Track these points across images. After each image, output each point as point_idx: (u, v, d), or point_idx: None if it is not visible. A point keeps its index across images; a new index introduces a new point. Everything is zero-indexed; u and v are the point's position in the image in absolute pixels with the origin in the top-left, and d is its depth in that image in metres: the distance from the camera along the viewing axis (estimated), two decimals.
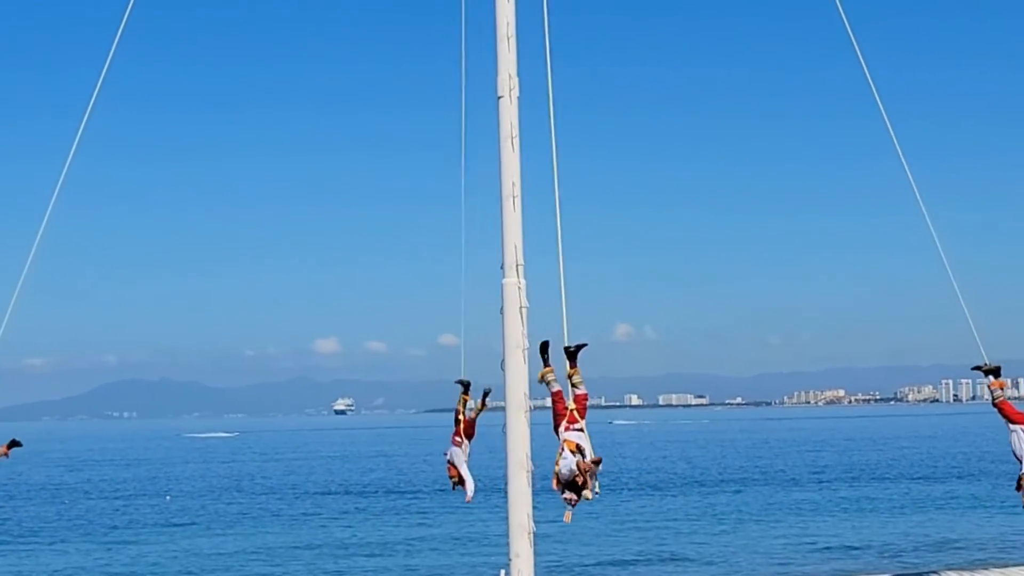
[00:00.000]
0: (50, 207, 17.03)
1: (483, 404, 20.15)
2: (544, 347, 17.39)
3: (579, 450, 16.72)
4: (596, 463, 16.52)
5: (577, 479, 16.53)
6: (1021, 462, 18.11)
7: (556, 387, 17.40)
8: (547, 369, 17.33)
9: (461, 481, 19.89)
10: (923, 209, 18.11)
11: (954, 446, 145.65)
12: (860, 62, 18.69)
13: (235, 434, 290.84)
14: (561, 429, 17.10)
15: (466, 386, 19.99)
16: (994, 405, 18.73)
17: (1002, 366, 18.78)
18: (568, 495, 16.59)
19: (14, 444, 18.48)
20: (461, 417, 20.05)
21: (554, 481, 16.71)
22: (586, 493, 16.37)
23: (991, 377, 18.73)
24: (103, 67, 16.82)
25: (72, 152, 17.15)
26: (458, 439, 20.02)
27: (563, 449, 16.96)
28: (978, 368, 18.92)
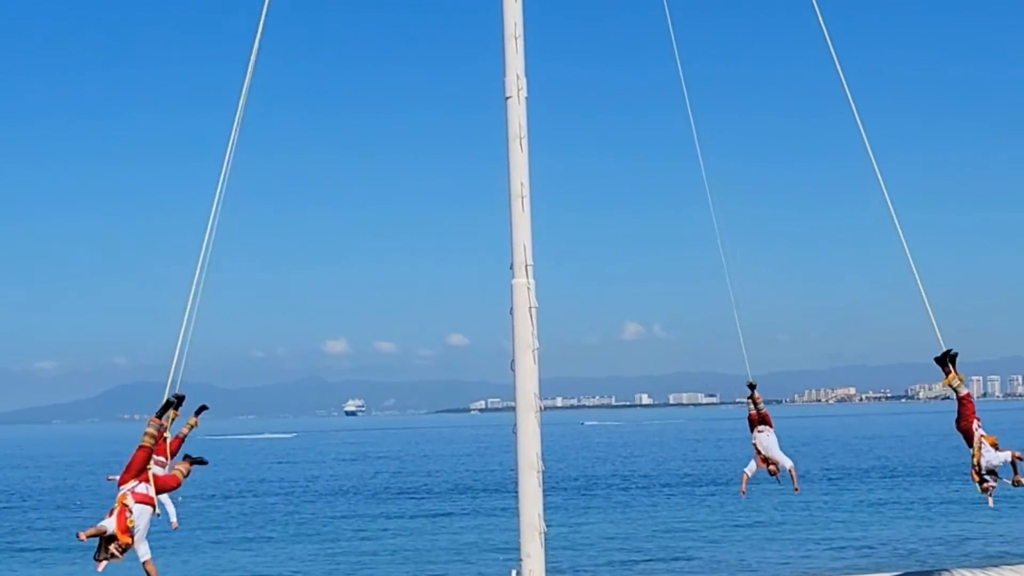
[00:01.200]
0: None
1: (196, 421, 18.99)
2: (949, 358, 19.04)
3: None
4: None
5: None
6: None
7: (964, 390, 18.90)
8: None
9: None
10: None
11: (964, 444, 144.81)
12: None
13: (293, 435, 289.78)
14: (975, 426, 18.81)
15: (180, 400, 17.77)
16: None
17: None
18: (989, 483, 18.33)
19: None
20: (167, 435, 17.47)
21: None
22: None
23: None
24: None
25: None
26: (161, 459, 17.36)
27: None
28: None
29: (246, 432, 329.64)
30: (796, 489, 21.03)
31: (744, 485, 21.93)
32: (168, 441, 17.57)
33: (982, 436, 18.81)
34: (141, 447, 16.29)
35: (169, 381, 16.79)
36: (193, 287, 16.10)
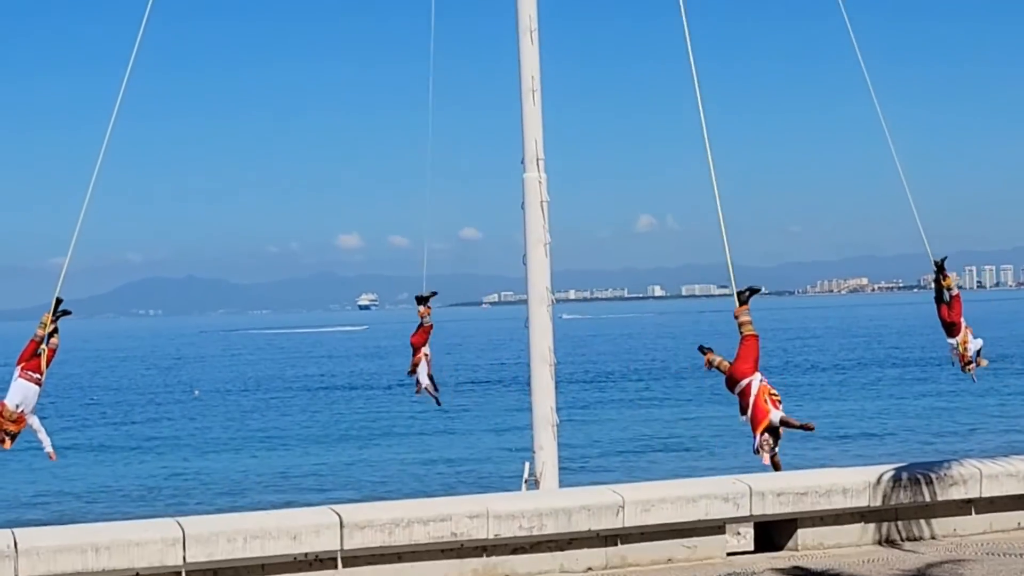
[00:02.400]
0: None
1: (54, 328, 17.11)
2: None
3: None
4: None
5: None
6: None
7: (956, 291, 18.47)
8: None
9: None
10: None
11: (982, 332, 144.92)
12: None
13: (364, 327, 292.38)
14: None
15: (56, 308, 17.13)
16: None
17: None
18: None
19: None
20: (44, 347, 16.66)
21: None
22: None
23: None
24: None
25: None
26: (37, 376, 16.65)
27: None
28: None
29: (314, 325, 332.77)
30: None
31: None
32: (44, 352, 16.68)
33: (967, 328, 19.62)
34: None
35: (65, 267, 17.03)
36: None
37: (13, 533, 13.63)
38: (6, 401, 16.40)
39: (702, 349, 17.31)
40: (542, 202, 17.39)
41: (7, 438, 16.43)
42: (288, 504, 34.15)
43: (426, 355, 24.43)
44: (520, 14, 17.53)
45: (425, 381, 24.51)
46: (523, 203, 17.41)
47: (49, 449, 17.06)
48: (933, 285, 19.52)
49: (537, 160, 17.39)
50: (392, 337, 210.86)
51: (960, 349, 19.33)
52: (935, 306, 19.58)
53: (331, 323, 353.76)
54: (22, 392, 16.48)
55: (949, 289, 19.31)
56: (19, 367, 16.62)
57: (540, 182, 17.40)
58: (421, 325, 24.41)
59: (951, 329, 19.44)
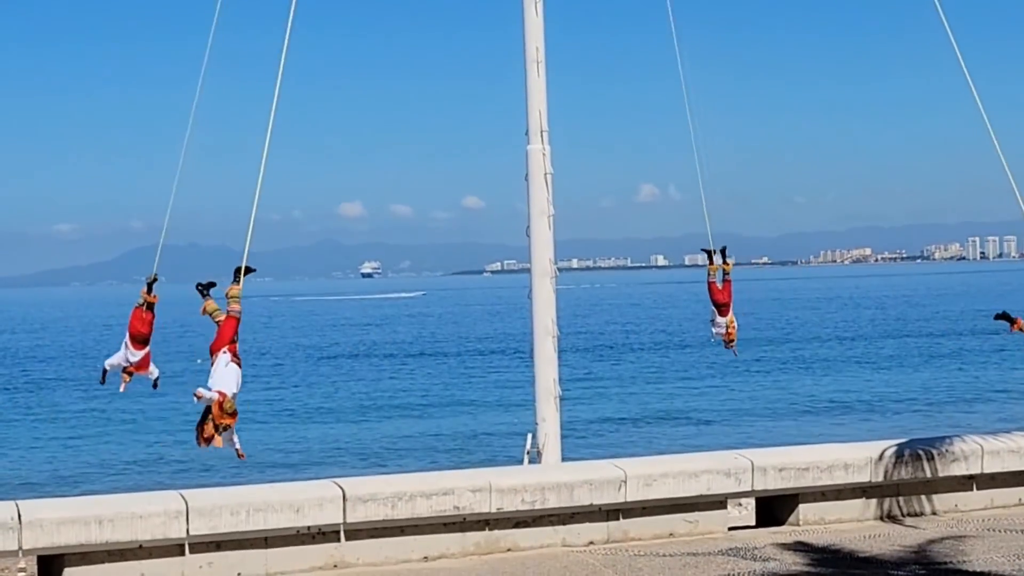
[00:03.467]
0: None
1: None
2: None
3: None
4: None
5: None
6: None
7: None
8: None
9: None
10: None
11: (983, 303, 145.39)
12: None
13: (421, 293, 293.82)
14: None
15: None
16: None
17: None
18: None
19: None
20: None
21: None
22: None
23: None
24: None
25: None
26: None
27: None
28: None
29: (371, 292, 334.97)
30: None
31: None
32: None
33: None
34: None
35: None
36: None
37: (16, 505, 13.67)
38: (225, 390, 14.14)
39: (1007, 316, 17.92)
40: (546, 174, 17.33)
41: (218, 435, 14.12)
42: (292, 477, 34.22)
43: None
44: None
45: None
46: (527, 175, 17.36)
47: (239, 447, 14.47)
48: (713, 267, 20.22)
49: (541, 132, 17.32)
50: (447, 303, 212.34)
51: (727, 329, 20.13)
52: (707, 286, 20.27)
53: (389, 289, 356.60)
54: (235, 378, 14.36)
55: (727, 273, 20.13)
56: (223, 351, 14.46)
57: (544, 154, 17.33)
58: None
59: (721, 309, 20.13)
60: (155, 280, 15.99)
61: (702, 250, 20.50)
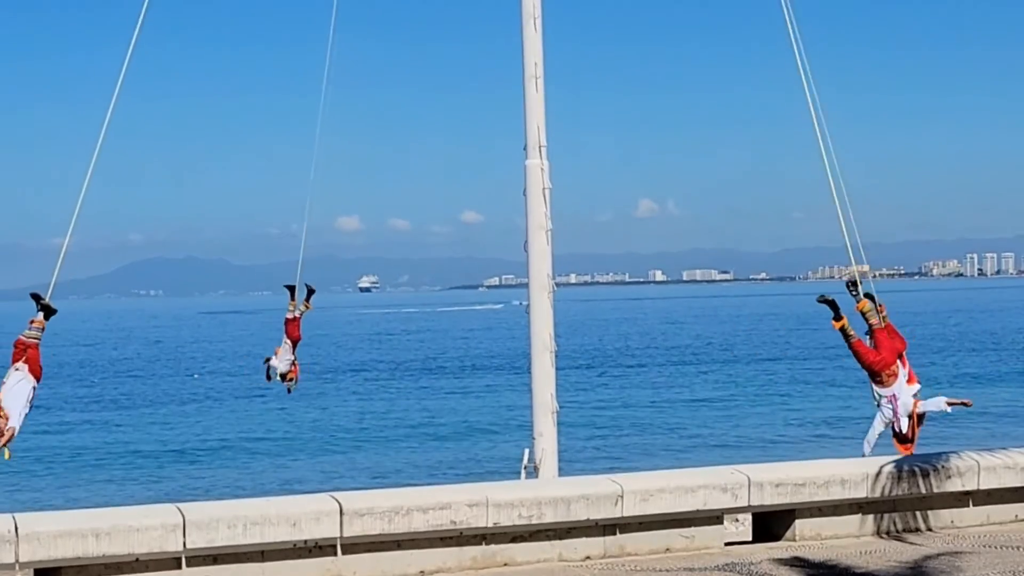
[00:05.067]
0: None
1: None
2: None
3: None
4: None
5: None
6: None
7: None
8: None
9: None
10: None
11: (981, 321, 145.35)
12: None
13: (500, 306, 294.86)
14: None
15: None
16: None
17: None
18: None
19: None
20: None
21: None
22: None
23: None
24: None
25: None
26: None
27: None
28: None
29: (464, 303, 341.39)
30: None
31: None
32: None
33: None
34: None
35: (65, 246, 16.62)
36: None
37: (14, 517, 13.66)
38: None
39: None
40: (544, 189, 17.38)
41: None
42: (289, 491, 34.21)
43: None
44: (524, 1, 17.51)
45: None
46: (525, 190, 17.41)
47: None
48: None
49: (539, 147, 17.37)
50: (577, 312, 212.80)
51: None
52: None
53: (466, 301, 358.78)
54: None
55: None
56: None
57: (542, 169, 17.38)
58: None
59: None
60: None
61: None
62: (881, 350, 17.29)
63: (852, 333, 17.37)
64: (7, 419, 14.75)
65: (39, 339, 15.40)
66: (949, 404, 17.66)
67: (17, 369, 15.13)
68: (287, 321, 21.53)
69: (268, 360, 21.25)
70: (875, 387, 17.37)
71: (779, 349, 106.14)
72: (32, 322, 15.51)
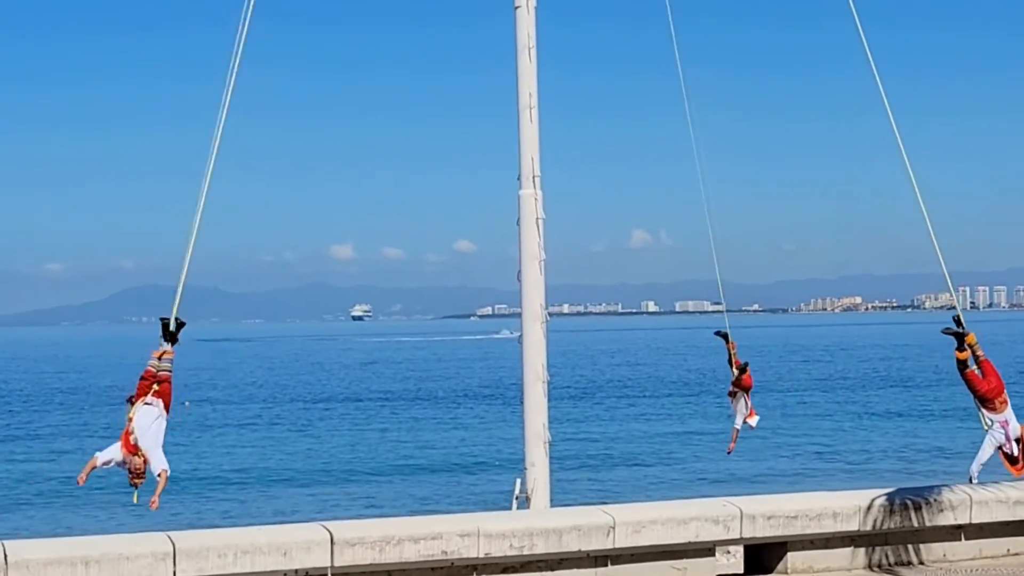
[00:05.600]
0: None
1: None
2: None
3: None
4: None
5: None
6: None
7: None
8: None
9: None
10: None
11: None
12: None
13: (514, 334, 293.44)
14: None
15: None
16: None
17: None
18: None
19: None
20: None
21: None
22: None
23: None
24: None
25: None
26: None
27: None
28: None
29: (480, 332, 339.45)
30: None
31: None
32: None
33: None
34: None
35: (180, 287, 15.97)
36: (203, 194, 15.76)
37: (3, 545, 13.61)
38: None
39: None
40: (537, 219, 17.38)
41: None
42: (280, 520, 34.09)
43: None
44: (519, 31, 17.54)
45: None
46: (518, 219, 17.41)
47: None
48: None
49: (533, 177, 17.38)
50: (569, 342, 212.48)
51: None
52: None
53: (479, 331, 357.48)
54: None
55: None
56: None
57: (536, 199, 17.38)
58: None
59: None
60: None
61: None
62: (990, 379, 17.56)
63: (969, 365, 17.58)
64: (146, 461, 13.89)
65: (171, 371, 14.34)
66: None
67: (148, 403, 14.12)
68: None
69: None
70: (987, 413, 17.55)
71: (770, 381, 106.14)
72: (162, 353, 14.33)
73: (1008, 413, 17.58)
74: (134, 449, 13.93)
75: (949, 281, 18.11)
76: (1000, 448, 17.54)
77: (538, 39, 17.58)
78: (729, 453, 22.50)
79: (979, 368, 17.63)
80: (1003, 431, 17.50)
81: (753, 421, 20.85)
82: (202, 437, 65.99)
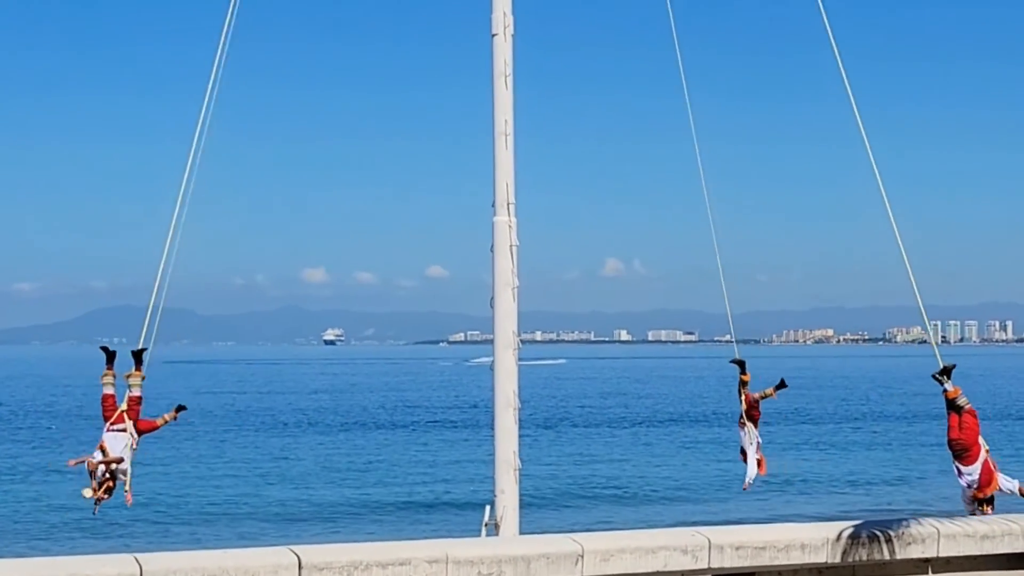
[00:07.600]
0: None
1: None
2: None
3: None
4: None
5: None
6: None
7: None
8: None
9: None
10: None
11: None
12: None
13: (562, 361, 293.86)
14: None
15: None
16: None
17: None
18: None
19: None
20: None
21: None
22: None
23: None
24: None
25: None
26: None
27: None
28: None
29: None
30: None
31: None
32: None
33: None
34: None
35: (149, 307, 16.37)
36: (174, 218, 15.80)
37: None
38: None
39: None
40: (511, 246, 17.39)
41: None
42: (247, 543, 33.92)
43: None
44: (495, 59, 17.57)
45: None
46: (492, 246, 17.42)
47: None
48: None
49: (508, 204, 17.39)
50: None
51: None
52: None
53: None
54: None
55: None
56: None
57: (510, 226, 17.39)
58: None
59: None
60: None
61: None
62: (965, 431, 17.91)
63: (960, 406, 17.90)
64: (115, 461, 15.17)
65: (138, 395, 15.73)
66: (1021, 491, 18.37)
67: (118, 429, 15.45)
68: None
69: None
70: (957, 463, 18.08)
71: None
72: (129, 375, 15.70)
73: (979, 465, 17.70)
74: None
75: (924, 315, 18.23)
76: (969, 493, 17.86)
77: (514, 66, 17.64)
78: (745, 489, 21.20)
79: (959, 418, 17.85)
80: (973, 477, 17.95)
81: (762, 471, 20.65)
82: (171, 460, 65.69)
